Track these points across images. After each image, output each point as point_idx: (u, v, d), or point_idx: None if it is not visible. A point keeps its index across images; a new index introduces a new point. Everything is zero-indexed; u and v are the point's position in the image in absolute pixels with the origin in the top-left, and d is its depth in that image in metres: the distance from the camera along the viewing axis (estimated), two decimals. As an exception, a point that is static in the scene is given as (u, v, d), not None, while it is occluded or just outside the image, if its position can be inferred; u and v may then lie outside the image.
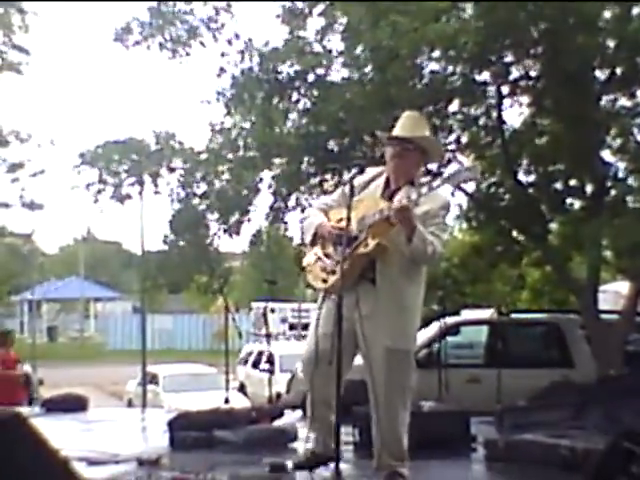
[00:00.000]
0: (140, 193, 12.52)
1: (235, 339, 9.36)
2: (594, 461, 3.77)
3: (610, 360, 9.34)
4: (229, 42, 10.79)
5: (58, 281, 52.03)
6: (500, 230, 11.46)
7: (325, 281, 4.39)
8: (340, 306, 3.96)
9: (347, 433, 5.40)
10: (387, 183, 4.48)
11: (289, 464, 4.65)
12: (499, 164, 11.19)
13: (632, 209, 9.66)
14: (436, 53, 9.32)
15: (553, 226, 11.68)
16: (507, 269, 13.34)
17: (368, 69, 9.71)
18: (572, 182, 10.57)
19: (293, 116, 10.67)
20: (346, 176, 9.54)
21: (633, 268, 9.92)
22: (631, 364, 9.39)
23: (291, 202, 10.96)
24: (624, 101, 10.06)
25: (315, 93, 10.25)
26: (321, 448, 4.47)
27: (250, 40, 10.55)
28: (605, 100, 10.08)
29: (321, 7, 10.52)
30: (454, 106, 10.53)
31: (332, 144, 10.36)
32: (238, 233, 11.30)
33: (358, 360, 4.44)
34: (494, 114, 10.76)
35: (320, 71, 10.18)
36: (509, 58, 9.82)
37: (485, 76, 10.05)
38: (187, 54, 11.11)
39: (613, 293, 13.17)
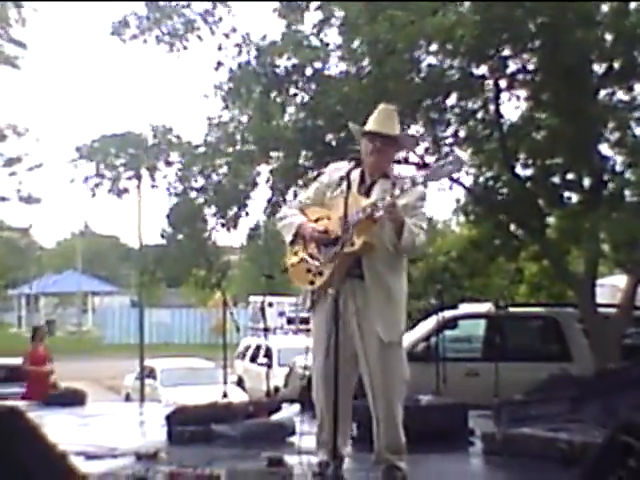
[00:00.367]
0: (138, 187, 12.55)
1: (233, 333, 9.36)
2: (592, 454, 3.77)
3: (608, 353, 9.35)
4: (226, 36, 10.77)
5: (56, 275, 51.96)
6: (498, 224, 11.46)
7: (312, 282, 4.41)
8: (337, 308, 4.03)
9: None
10: (362, 177, 4.49)
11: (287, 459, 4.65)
12: (497, 158, 11.21)
13: (630, 203, 9.64)
14: (433, 47, 9.28)
15: (551, 220, 11.67)
16: (505, 263, 13.34)
17: (365, 63, 9.69)
18: (570, 176, 10.57)
19: (290, 110, 10.67)
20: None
21: (630, 261, 9.94)
22: (629, 357, 9.39)
23: (289, 196, 10.91)
24: (622, 95, 10.06)
25: (312, 87, 10.23)
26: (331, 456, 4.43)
27: (247, 34, 10.52)
28: (603, 94, 10.09)
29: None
30: (452, 100, 10.53)
31: (329, 138, 10.34)
32: (236, 227, 11.30)
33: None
34: (492, 108, 10.76)
35: (317, 65, 10.15)
36: (507, 52, 9.79)
37: (483, 70, 10.05)
38: (184, 48, 11.10)
39: (611, 287, 13.14)
